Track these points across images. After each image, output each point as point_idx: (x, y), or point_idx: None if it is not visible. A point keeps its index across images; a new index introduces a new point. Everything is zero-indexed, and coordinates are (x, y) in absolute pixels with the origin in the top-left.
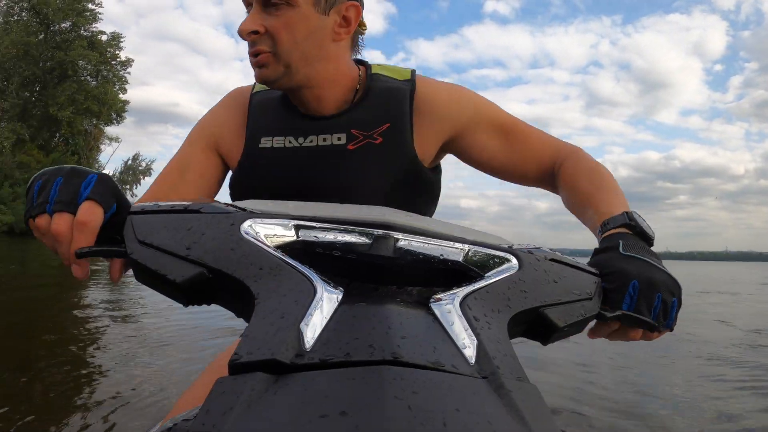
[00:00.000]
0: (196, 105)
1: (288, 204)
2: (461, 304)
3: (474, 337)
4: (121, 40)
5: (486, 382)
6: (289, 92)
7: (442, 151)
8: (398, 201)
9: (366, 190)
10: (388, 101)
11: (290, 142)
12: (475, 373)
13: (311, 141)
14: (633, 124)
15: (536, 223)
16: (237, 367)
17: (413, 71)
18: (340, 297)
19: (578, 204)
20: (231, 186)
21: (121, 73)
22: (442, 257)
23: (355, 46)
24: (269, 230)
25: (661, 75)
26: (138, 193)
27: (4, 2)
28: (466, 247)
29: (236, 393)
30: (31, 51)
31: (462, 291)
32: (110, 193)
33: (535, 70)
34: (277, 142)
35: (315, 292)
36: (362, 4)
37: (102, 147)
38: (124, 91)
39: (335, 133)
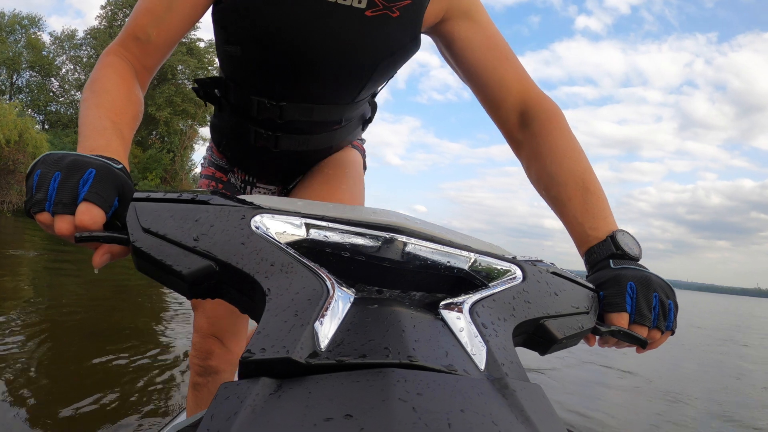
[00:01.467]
0: None
1: (297, 202)
2: (470, 310)
3: (483, 344)
4: None
5: (491, 382)
6: None
7: (435, 26)
8: (389, 69)
9: (368, 59)
10: None
11: None
12: (485, 379)
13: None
14: (728, 149)
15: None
16: (249, 365)
17: None
18: (352, 298)
19: (560, 203)
20: (216, 21)
21: None
22: (448, 264)
23: None
24: (280, 227)
25: (759, 97)
26: None
27: (109, 8)
28: (473, 255)
29: (240, 398)
30: None
31: (471, 298)
32: (111, 187)
33: (626, 89)
34: None
35: (329, 292)
36: None
37: (195, 147)
38: None
39: None
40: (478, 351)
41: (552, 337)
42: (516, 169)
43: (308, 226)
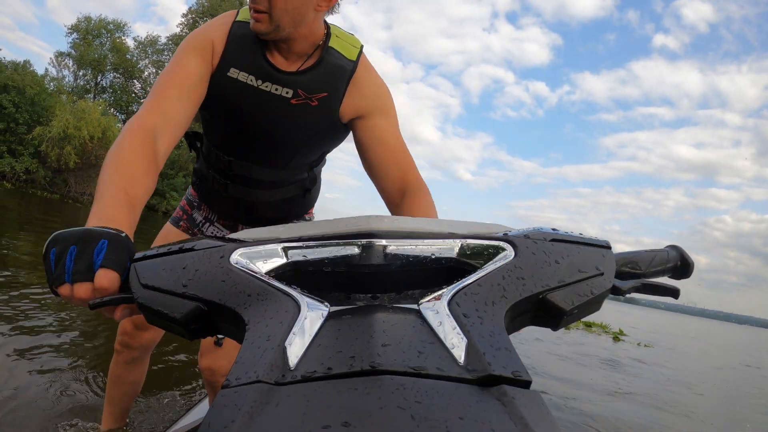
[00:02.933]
0: None
1: (278, 228)
2: (449, 302)
3: (463, 336)
4: None
5: (489, 391)
6: (274, 39)
7: (355, 121)
8: (313, 147)
9: (292, 136)
10: (332, 76)
11: (251, 81)
12: (464, 372)
13: (266, 86)
14: None
15: (693, 278)
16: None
17: (361, 49)
18: (325, 312)
19: None
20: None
21: None
22: (434, 256)
23: (330, 13)
24: (258, 257)
25: None
26: None
27: (190, 17)
28: (458, 242)
29: (238, 405)
30: None
31: (451, 289)
32: (123, 252)
33: (704, 111)
34: (242, 77)
35: (299, 310)
36: None
37: None
38: None
39: (285, 87)
40: (456, 344)
41: (559, 310)
42: (589, 191)
43: (286, 250)
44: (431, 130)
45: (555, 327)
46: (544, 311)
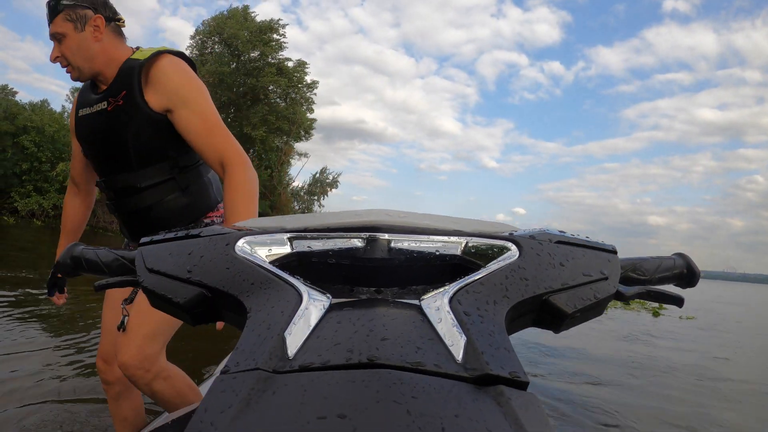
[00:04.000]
0: (381, 122)
1: (285, 218)
2: (451, 300)
3: (462, 334)
4: (306, 66)
5: (485, 390)
6: (93, 79)
7: (166, 112)
8: (146, 141)
9: (122, 135)
10: (127, 76)
11: (86, 110)
12: (462, 370)
13: (93, 108)
14: None
15: (731, 243)
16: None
17: (156, 52)
18: (327, 304)
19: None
20: None
21: (308, 94)
22: (438, 253)
23: (119, 35)
24: (263, 246)
25: None
26: (325, 204)
27: (198, 38)
28: (463, 239)
29: (235, 391)
30: (225, 79)
31: (453, 287)
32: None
33: (723, 71)
34: (83, 111)
35: (300, 300)
36: (105, 10)
37: (292, 161)
38: (311, 110)
39: (101, 102)
40: (455, 342)
41: (561, 312)
42: (616, 165)
43: (291, 240)
44: (451, 122)
45: (557, 330)
46: (546, 313)
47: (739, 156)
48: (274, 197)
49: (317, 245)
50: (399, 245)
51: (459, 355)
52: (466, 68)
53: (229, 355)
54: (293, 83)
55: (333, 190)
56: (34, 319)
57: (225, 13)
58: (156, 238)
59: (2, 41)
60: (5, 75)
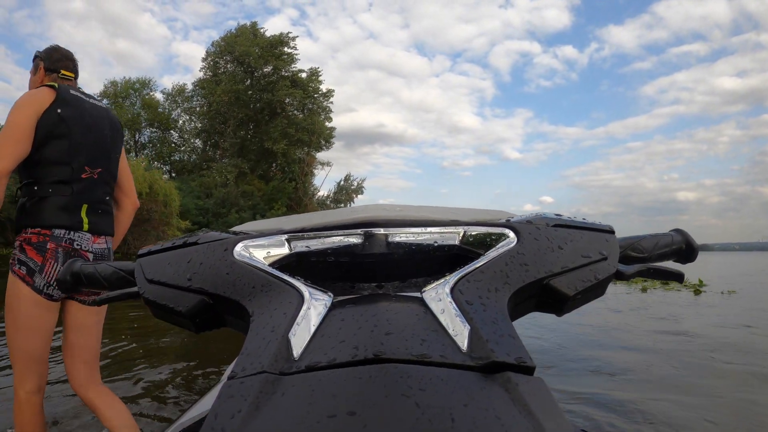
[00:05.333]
0: (401, 123)
1: (281, 219)
2: (452, 290)
3: (466, 323)
4: (320, 74)
5: (492, 377)
6: None
7: None
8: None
9: None
10: None
11: None
12: (468, 359)
13: None
14: None
15: (764, 212)
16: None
17: (50, 86)
18: (329, 302)
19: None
20: None
21: (325, 103)
22: (437, 244)
23: (55, 79)
24: (262, 249)
25: None
26: None
27: (210, 59)
28: (461, 229)
29: (244, 396)
30: (241, 96)
31: (453, 276)
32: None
33: (738, 38)
34: None
35: (302, 300)
36: (48, 60)
37: (315, 171)
38: (330, 119)
39: None
40: (459, 331)
41: (562, 295)
42: (640, 144)
43: (289, 241)
44: (470, 117)
45: (559, 313)
46: (547, 297)
47: (764, 122)
48: (301, 208)
49: (315, 244)
50: (397, 239)
51: (464, 344)
52: (479, 62)
53: (235, 360)
54: (309, 94)
55: (359, 196)
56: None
57: (234, 31)
58: (154, 248)
59: (22, 82)
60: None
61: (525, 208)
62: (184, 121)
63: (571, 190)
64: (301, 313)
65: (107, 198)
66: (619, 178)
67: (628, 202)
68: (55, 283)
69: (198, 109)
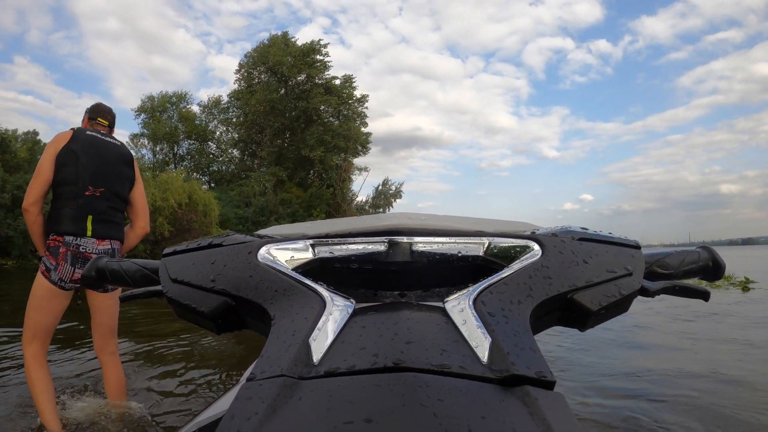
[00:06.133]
0: (437, 127)
1: (306, 224)
2: (475, 301)
3: (487, 335)
4: (353, 80)
5: (512, 391)
6: None
7: None
8: None
9: None
10: None
11: None
12: (487, 372)
13: None
14: None
15: None
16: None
17: (72, 129)
18: (350, 309)
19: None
20: None
21: (360, 109)
22: (461, 254)
23: (93, 125)
24: (286, 253)
25: None
26: None
27: (243, 70)
28: (486, 240)
29: (261, 398)
30: (276, 105)
31: (477, 288)
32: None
33: None
34: None
35: (324, 306)
36: (90, 113)
37: (353, 177)
38: (365, 124)
39: None
40: (480, 343)
41: (586, 310)
42: (679, 137)
43: (313, 246)
44: (506, 117)
45: (582, 327)
46: (570, 311)
47: None
48: (339, 214)
49: (339, 250)
50: (421, 248)
51: (484, 356)
52: (512, 61)
53: (254, 363)
54: (343, 100)
55: (397, 200)
56: None
57: (266, 42)
58: (179, 248)
59: (61, 101)
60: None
61: (564, 207)
62: (221, 132)
63: (611, 186)
64: (323, 318)
65: (112, 211)
66: (659, 173)
67: (669, 197)
68: (66, 277)
69: (234, 119)
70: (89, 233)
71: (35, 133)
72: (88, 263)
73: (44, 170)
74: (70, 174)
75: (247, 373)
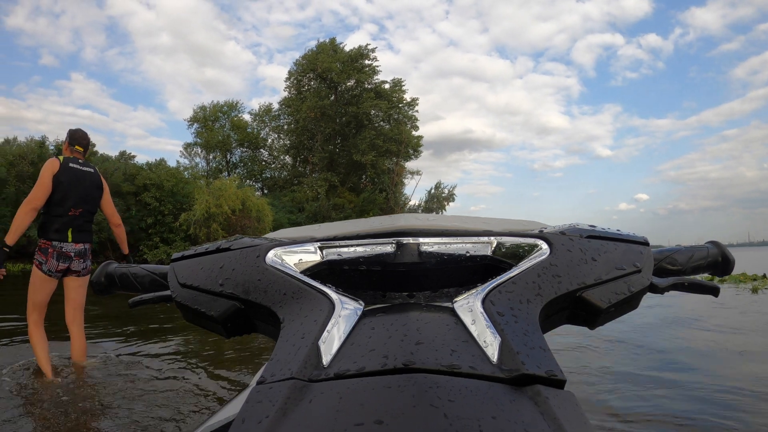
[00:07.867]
0: (488, 129)
1: (313, 227)
2: (484, 301)
3: (497, 334)
4: (403, 84)
5: (522, 390)
6: None
7: None
8: None
9: None
10: None
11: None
12: (498, 371)
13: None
14: None
15: None
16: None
17: (59, 159)
18: (359, 311)
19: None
20: None
21: (410, 112)
22: (469, 254)
23: (73, 150)
24: (294, 256)
25: None
26: None
27: (293, 78)
28: (494, 239)
29: (272, 401)
30: (326, 111)
31: (485, 287)
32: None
33: None
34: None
35: (333, 308)
36: (70, 138)
37: (405, 181)
38: (416, 128)
39: None
40: (490, 342)
41: (595, 308)
42: (736, 131)
43: (321, 249)
44: (558, 117)
45: (592, 326)
46: (580, 309)
47: None
48: None
49: (347, 252)
50: (429, 248)
51: (494, 355)
52: (562, 59)
53: (264, 366)
54: (393, 104)
55: (450, 203)
56: None
57: (314, 49)
58: (187, 253)
59: (118, 114)
60: (125, 142)
61: (619, 207)
62: (272, 140)
63: (667, 185)
64: (332, 320)
65: (86, 223)
66: (716, 170)
67: (726, 194)
68: (53, 269)
69: (285, 126)
70: (70, 239)
71: (92, 145)
72: (97, 270)
73: (46, 185)
74: (58, 199)
75: (257, 377)
